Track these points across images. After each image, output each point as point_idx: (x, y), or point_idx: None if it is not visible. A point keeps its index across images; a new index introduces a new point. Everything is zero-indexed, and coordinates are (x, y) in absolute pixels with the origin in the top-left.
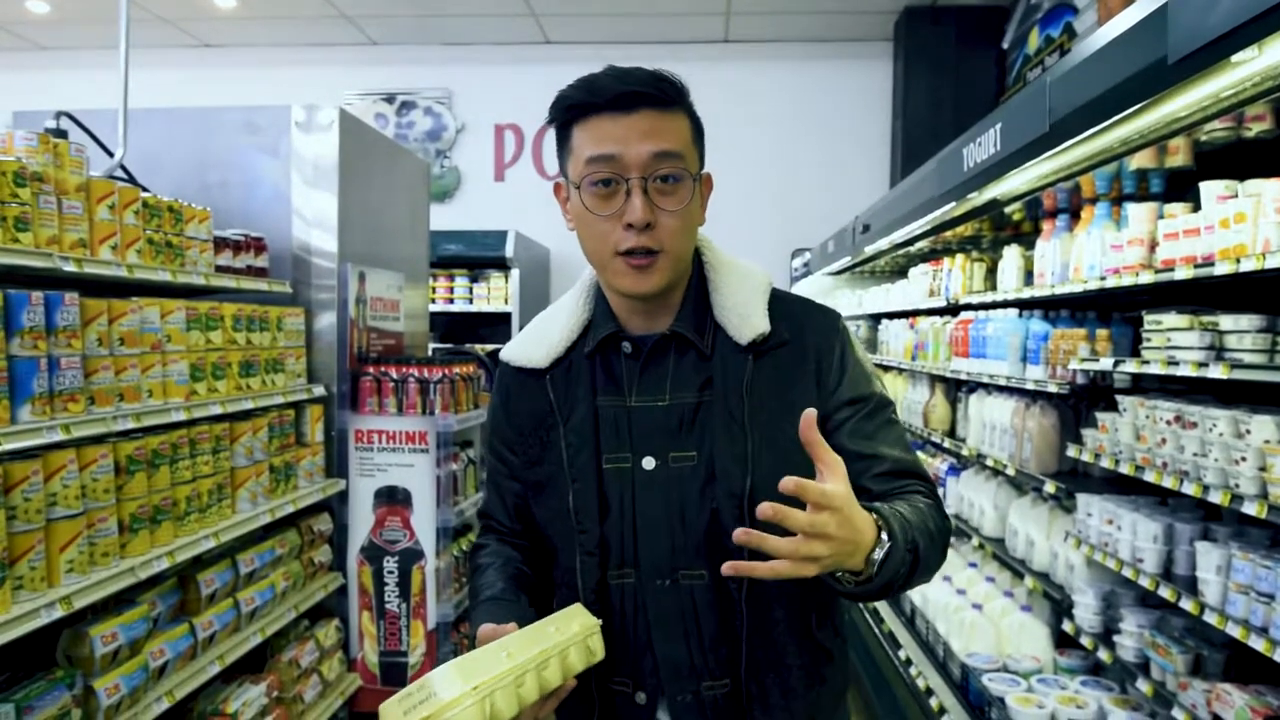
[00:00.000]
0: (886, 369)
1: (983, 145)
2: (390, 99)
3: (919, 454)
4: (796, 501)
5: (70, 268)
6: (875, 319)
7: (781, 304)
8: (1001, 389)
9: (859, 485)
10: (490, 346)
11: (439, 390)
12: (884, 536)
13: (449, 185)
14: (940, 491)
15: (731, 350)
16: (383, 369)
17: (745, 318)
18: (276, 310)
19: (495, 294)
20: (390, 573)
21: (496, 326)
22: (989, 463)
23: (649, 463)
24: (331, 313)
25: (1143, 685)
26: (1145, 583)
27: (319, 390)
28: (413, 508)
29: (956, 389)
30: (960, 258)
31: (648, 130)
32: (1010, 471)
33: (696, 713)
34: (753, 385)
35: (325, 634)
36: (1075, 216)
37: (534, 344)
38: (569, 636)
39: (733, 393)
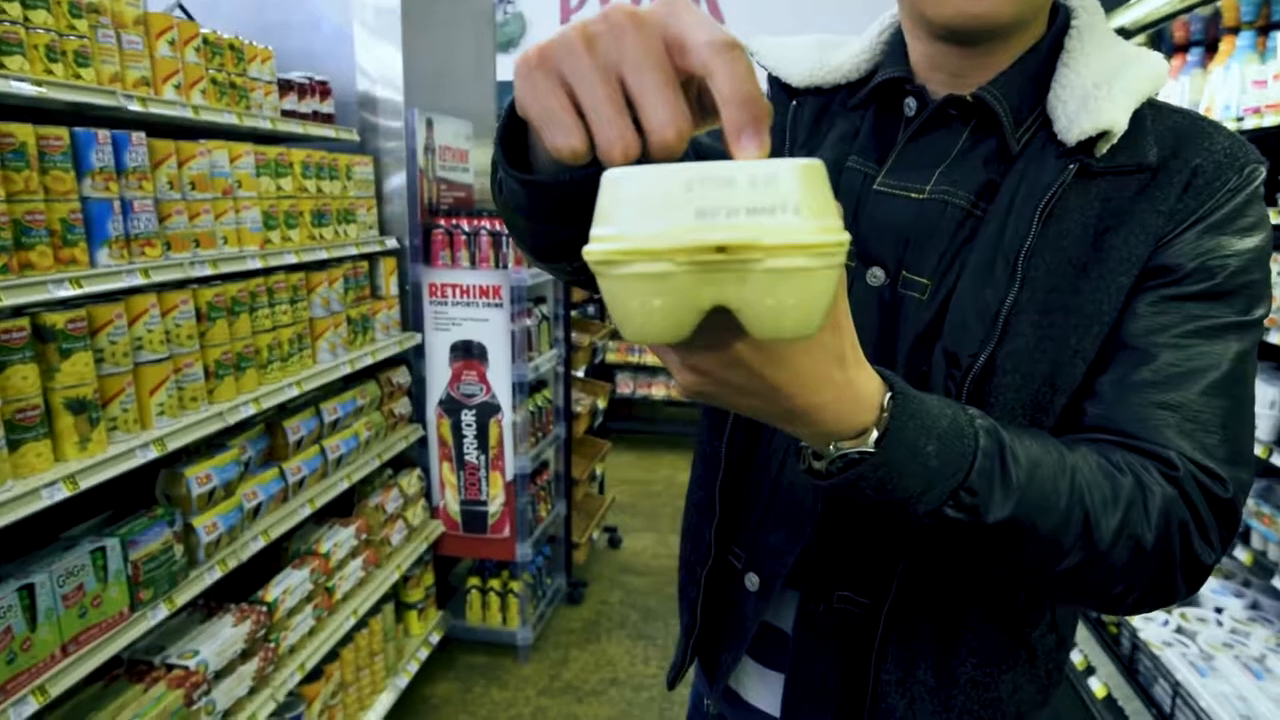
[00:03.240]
0: None
1: None
2: None
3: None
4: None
5: (135, 107)
6: None
7: (1164, 117)
8: None
9: (1077, 410)
10: None
11: (512, 243)
12: (873, 434)
13: (513, 33)
14: None
15: (1048, 153)
16: (454, 221)
17: (1087, 102)
18: (345, 158)
19: None
20: (468, 426)
21: None
22: None
23: (876, 276)
24: (400, 162)
25: (1241, 554)
26: (1258, 451)
27: (391, 243)
28: (488, 362)
29: None
30: None
31: None
32: None
33: (823, 628)
34: (1056, 211)
35: (408, 482)
36: (1210, 50)
37: (797, 53)
38: None
39: (1020, 212)
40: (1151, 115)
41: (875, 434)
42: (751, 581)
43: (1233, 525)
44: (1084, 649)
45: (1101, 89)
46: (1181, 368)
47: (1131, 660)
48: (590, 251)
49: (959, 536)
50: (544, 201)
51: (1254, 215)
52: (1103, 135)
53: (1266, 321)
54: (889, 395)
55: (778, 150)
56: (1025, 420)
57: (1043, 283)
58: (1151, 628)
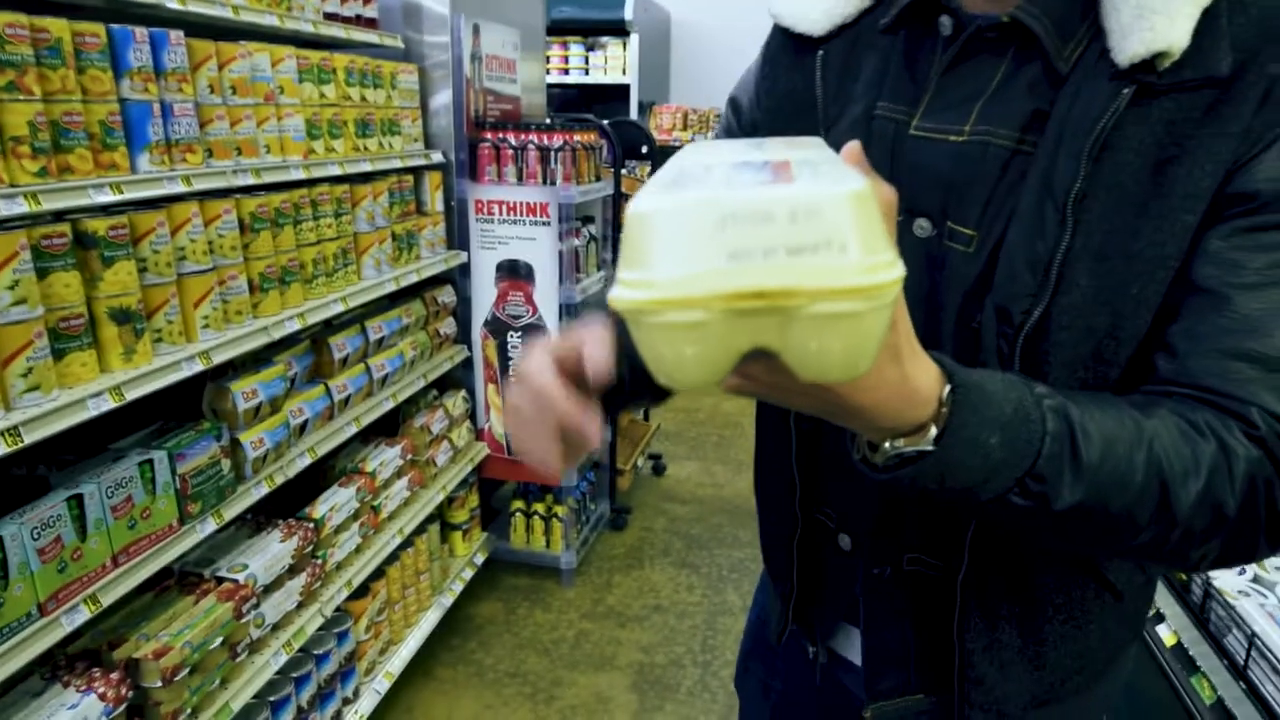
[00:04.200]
0: None
1: None
2: None
3: None
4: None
5: (174, 4)
6: None
7: (1245, 7)
8: None
9: (1150, 350)
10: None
11: (560, 159)
12: (932, 431)
13: None
14: None
15: (1102, 72)
16: (501, 135)
17: (1143, 14)
18: (390, 66)
19: (613, 63)
20: (514, 348)
21: (611, 103)
22: None
23: (923, 227)
24: (445, 71)
25: None
26: None
27: (437, 156)
28: (535, 283)
29: None
30: None
31: None
32: None
33: (894, 592)
34: (1115, 142)
35: (453, 404)
36: None
37: None
38: None
39: (1069, 148)
40: (1229, 7)
41: (934, 430)
42: (844, 541)
43: None
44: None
45: (1154, 1)
46: (1262, 312)
47: (1203, 609)
48: (617, 300)
49: (1026, 519)
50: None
51: None
52: (1157, 52)
53: None
54: (948, 388)
55: (807, 112)
56: (1088, 376)
57: (1098, 226)
58: (1226, 576)
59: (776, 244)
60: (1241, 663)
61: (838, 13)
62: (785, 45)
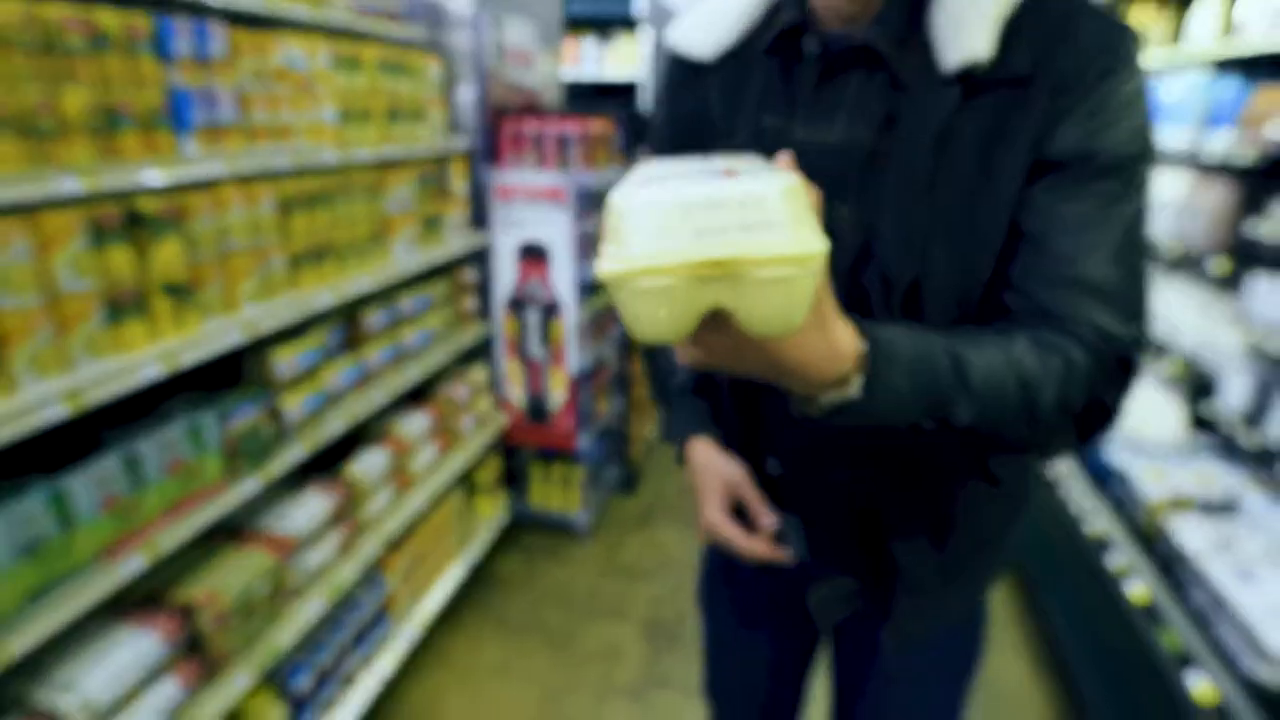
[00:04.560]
0: None
1: None
2: None
3: None
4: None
5: None
6: None
7: (1040, 16)
8: (1175, 161)
9: (1002, 291)
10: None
11: (576, 146)
12: (856, 381)
13: None
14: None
15: (934, 81)
16: (520, 124)
17: (959, 27)
18: (417, 57)
19: (624, 58)
20: (533, 324)
21: (623, 96)
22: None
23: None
24: (468, 62)
25: None
26: None
27: (461, 143)
28: (552, 263)
29: None
30: (1143, 7)
31: None
32: (1171, 254)
33: (828, 501)
34: (950, 135)
35: (477, 376)
36: None
37: (703, 26)
38: None
39: (919, 142)
40: (1030, 19)
41: (858, 380)
42: (773, 466)
43: (1132, 371)
44: (1124, 554)
45: (965, 15)
46: (1078, 250)
47: (1168, 568)
48: (603, 271)
49: (934, 436)
50: None
51: (1126, 92)
52: (971, 61)
53: None
54: (865, 346)
55: (708, 127)
56: (957, 316)
57: (946, 210)
58: (1193, 538)
59: (729, 224)
60: (1205, 617)
61: (725, 41)
62: (684, 71)
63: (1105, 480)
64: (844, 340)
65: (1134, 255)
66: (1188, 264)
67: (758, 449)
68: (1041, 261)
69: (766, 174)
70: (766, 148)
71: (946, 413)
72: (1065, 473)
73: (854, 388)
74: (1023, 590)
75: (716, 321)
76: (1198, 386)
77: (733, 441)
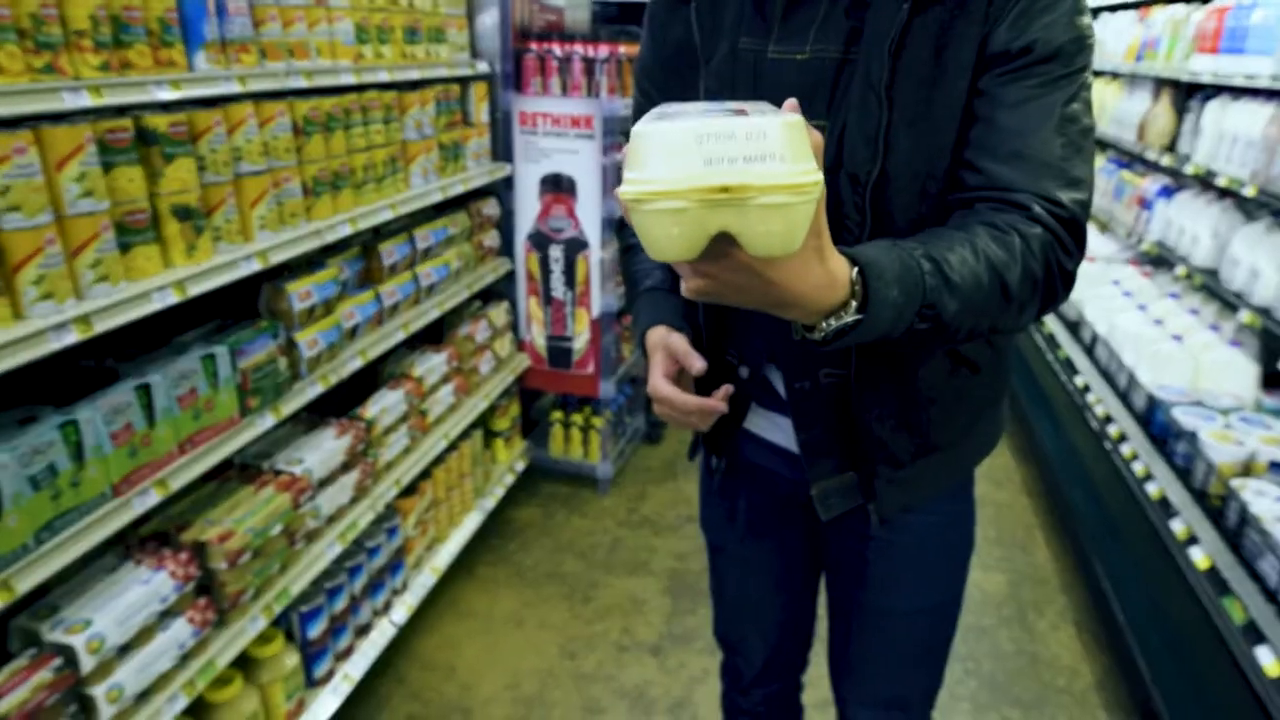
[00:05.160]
0: (1098, 75)
1: None
2: None
3: (1122, 173)
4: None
5: None
6: (1093, 12)
7: None
8: (1257, 93)
9: (958, 171)
10: None
11: (605, 71)
12: (852, 304)
13: None
14: (1143, 216)
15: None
16: (546, 46)
17: None
18: None
19: None
20: (556, 261)
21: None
22: (1219, 182)
23: None
24: None
25: None
26: None
27: (482, 66)
28: (578, 197)
29: (1187, 96)
30: None
31: None
32: (1248, 192)
33: (814, 399)
34: (905, 43)
35: (496, 315)
36: None
37: None
38: None
39: (876, 52)
40: None
41: (855, 304)
42: (743, 372)
43: (1081, 236)
44: (1187, 518)
45: None
46: (1022, 125)
47: (1239, 534)
48: (624, 192)
49: (926, 336)
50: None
51: None
52: None
53: None
54: (855, 270)
55: (690, 53)
56: (922, 208)
57: (905, 102)
58: (1262, 503)
59: (737, 155)
60: (1273, 586)
61: None
62: (666, 3)
63: (1166, 440)
64: (839, 269)
65: (1074, 129)
66: (1267, 206)
67: (731, 354)
68: (990, 138)
69: (772, 113)
70: (744, 67)
71: (937, 310)
72: (1129, 433)
73: (851, 310)
74: (1071, 554)
75: (723, 249)
76: (1273, 342)
77: (697, 346)
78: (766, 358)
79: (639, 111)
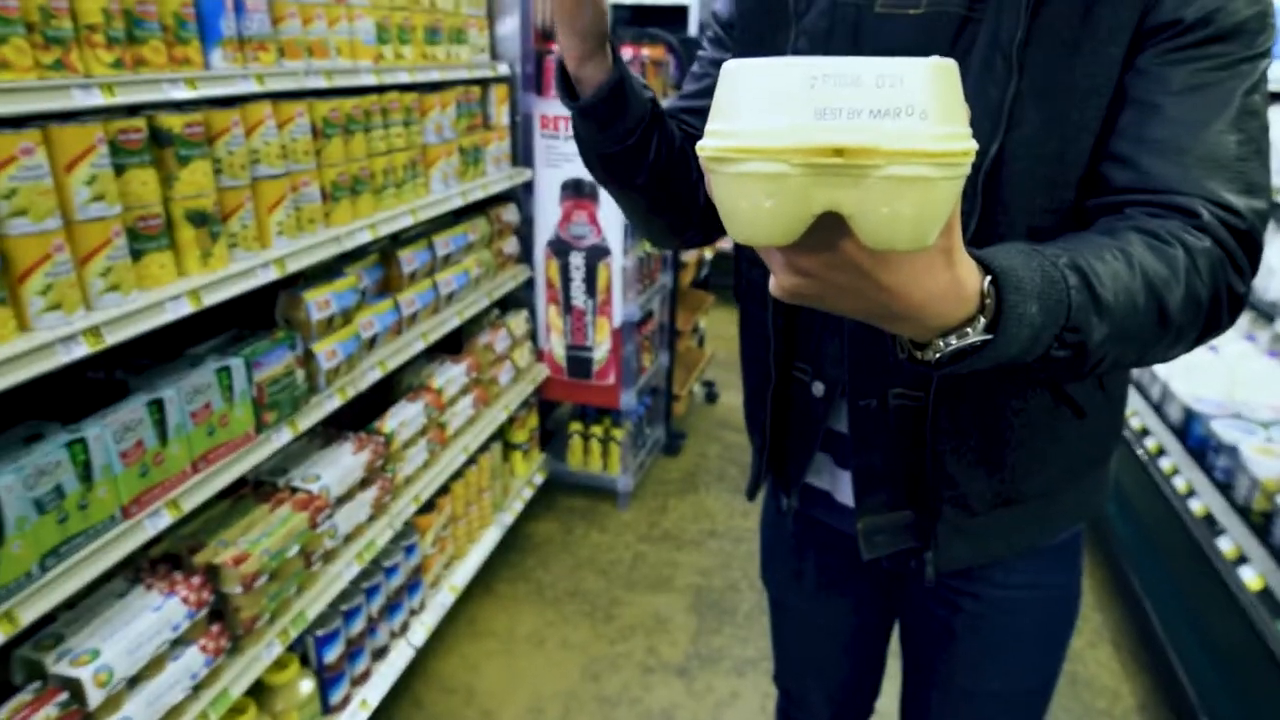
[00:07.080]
0: None
1: None
2: None
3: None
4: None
5: None
6: None
7: None
8: None
9: (1101, 166)
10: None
11: None
12: (981, 321)
13: None
14: None
15: None
16: None
17: None
18: None
19: None
20: (577, 268)
21: (670, 26)
22: None
23: None
24: None
25: None
26: None
27: (503, 68)
28: (599, 202)
29: None
30: None
31: None
32: None
33: (878, 421)
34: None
35: (515, 324)
36: None
37: None
38: None
39: (1009, 9)
40: None
41: (983, 321)
42: (818, 389)
43: (1256, 252)
44: (1234, 536)
45: None
46: (1191, 115)
47: None
48: (704, 147)
49: (1064, 366)
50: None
51: None
52: None
53: None
54: (988, 279)
55: (780, 6)
56: (1045, 203)
57: (1040, 67)
58: None
59: (861, 106)
60: None
61: None
62: None
63: (1205, 454)
64: (969, 277)
65: (1254, 125)
66: None
67: (797, 371)
68: (1149, 128)
69: (910, 59)
70: (843, 24)
71: (1081, 335)
72: (1169, 448)
73: (979, 328)
74: (1109, 572)
75: (829, 236)
76: None
77: (764, 358)
78: (845, 372)
79: (698, 65)
